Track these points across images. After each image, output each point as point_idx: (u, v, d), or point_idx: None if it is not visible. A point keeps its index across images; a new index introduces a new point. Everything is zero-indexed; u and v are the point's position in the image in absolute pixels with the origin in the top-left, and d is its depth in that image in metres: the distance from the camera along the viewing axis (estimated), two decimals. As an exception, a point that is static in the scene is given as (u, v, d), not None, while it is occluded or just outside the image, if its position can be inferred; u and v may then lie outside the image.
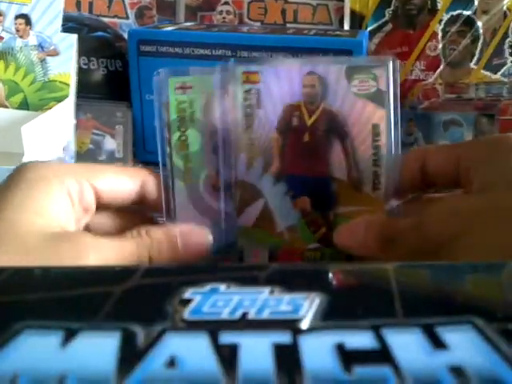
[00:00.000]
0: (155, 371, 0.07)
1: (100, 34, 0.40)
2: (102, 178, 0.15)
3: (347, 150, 0.16)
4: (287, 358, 0.07)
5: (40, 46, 0.36)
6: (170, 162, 0.16)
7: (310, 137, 0.16)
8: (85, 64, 0.39)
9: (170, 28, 0.36)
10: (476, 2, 0.40)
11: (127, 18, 0.45)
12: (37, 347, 0.08)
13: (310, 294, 0.08)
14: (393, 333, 0.08)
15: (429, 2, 0.41)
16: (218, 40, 0.33)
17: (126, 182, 0.16)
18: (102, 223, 0.16)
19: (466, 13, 0.40)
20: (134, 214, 0.17)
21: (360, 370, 0.07)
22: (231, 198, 0.16)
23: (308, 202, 0.16)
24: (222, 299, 0.08)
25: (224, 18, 0.44)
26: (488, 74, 0.41)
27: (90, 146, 0.38)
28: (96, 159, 0.37)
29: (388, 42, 0.41)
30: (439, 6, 0.40)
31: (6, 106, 0.36)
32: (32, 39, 0.36)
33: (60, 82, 0.36)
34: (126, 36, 0.37)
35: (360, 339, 0.08)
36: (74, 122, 0.36)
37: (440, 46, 0.41)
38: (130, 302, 0.08)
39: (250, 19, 0.43)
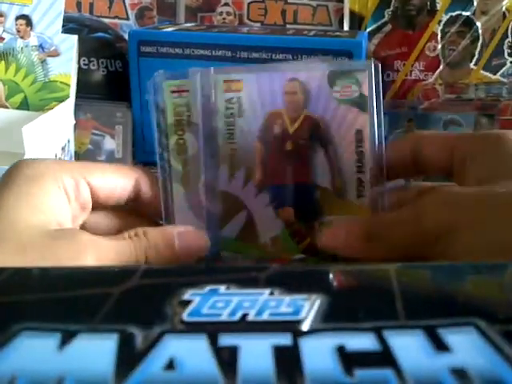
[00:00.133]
0: (154, 373, 0.07)
1: (100, 34, 0.40)
2: (98, 176, 0.15)
3: (331, 157, 0.16)
4: (287, 360, 0.07)
5: (41, 47, 0.36)
6: (169, 166, 0.16)
7: (292, 145, 0.16)
8: (85, 64, 0.39)
9: (170, 29, 0.36)
10: (475, 3, 0.40)
11: (128, 18, 0.45)
12: (35, 349, 0.08)
13: (310, 295, 0.08)
14: (394, 335, 0.08)
15: (428, 3, 0.41)
16: (218, 41, 0.33)
17: (120, 180, 0.16)
18: (97, 222, 0.16)
19: (466, 13, 0.40)
20: (129, 214, 0.16)
21: (361, 373, 0.07)
22: (214, 210, 0.16)
23: (292, 213, 0.16)
24: (222, 300, 0.08)
25: (224, 18, 0.44)
26: (487, 74, 0.41)
27: (90, 146, 0.38)
28: (95, 159, 0.37)
29: (387, 42, 0.41)
30: (438, 6, 0.41)
31: (6, 107, 0.36)
32: (33, 40, 0.36)
33: (60, 82, 0.36)
34: (126, 37, 0.37)
35: (361, 341, 0.07)
36: (74, 122, 0.36)
37: (439, 46, 0.41)
38: (129, 304, 0.08)
39: (249, 20, 0.44)
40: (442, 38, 0.41)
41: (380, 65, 0.15)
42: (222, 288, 0.09)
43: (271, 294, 0.08)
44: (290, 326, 0.08)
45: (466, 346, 0.07)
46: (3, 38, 0.36)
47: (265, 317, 0.08)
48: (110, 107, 0.37)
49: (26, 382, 0.07)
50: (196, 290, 0.08)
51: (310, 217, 0.16)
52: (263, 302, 0.08)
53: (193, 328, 0.08)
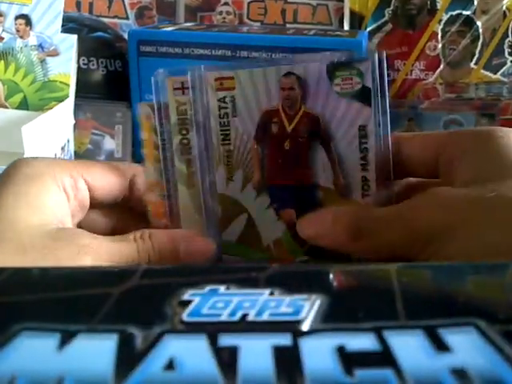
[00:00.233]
0: (154, 374, 0.07)
1: (100, 34, 0.40)
2: (95, 174, 0.15)
3: (332, 155, 0.15)
4: (287, 361, 0.07)
5: (40, 47, 0.36)
6: (172, 166, 0.15)
7: (291, 144, 0.15)
8: (85, 64, 0.38)
9: (169, 28, 0.36)
10: (475, 2, 0.40)
11: (127, 18, 0.45)
12: (35, 349, 0.08)
13: (310, 295, 0.08)
14: (394, 335, 0.07)
15: (428, 2, 0.41)
16: (218, 40, 0.33)
17: (118, 178, 0.15)
18: (94, 220, 0.16)
19: (466, 13, 0.40)
20: (125, 211, 0.16)
21: (361, 373, 0.07)
22: (213, 214, 0.15)
23: (293, 214, 0.15)
24: (222, 301, 0.08)
25: (224, 18, 0.44)
26: (488, 73, 0.41)
27: (89, 146, 0.37)
28: (95, 159, 0.37)
29: (388, 42, 0.41)
30: (439, 5, 0.40)
31: (5, 107, 0.36)
32: (32, 39, 0.36)
33: (60, 82, 0.36)
34: (125, 36, 0.37)
35: (361, 341, 0.07)
36: (73, 121, 0.36)
37: (440, 45, 0.41)
38: (129, 304, 0.08)
39: (249, 19, 0.43)
40: (442, 37, 0.41)
41: (385, 53, 0.14)
42: (222, 288, 0.09)
43: (271, 294, 0.08)
44: (290, 326, 0.08)
45: (466, 346, 0.07)
46: (2, 38, 0.36)
47: (265, 317, 0.08)
48: (109, 107, 0.37)
49: (25, 382, 0.07)
50: (196, 290, 0.08)
51: None
52: (263, 302, 0.08)
53: (193, 328, 0.08)
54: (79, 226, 0.16)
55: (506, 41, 0.40)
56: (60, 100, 0.35)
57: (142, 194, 0.16)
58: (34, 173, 0.14)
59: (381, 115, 0.14)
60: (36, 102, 0.36)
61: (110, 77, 0.39)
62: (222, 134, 0.15)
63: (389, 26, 0.42)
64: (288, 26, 0.43)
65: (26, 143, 0.28)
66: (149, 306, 0.08)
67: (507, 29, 0.40)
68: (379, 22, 0.42)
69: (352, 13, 0.42)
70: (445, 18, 0.41)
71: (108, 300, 0.08)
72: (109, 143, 0.37)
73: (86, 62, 0.39)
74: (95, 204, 0.16)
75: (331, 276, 0.09)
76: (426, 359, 0.07)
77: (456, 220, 0.12)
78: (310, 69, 0.14)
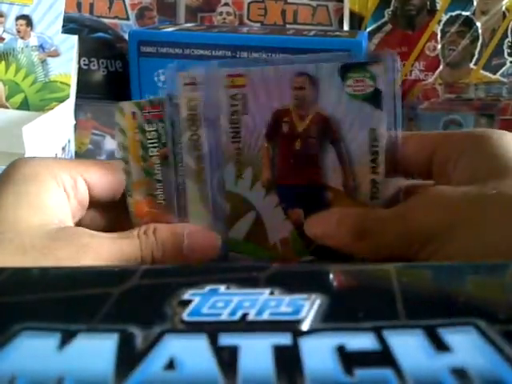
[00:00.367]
0: (154, 373, 0.07)
1: (100, 34, 0.40)
2: (94, 173, 0.15)
3: (342, 156, 0.15)
4: (287, 360, 0.07)
5: (41, 47, 0.36)
6: (181, 162, 0.15)
7: (301, 144, 0.15)
8: (85, 65, 0.39)
9: (170, 29, 0.36)
10: (475, 3, 0.40)
11: (128, 19, 0.45)
12: (35, 349, 0.08)
13: (310, 295, 0.08)
14: (394, 334, 0.07)
15: (428, 3, 0.41)
16: (218, 41, 0.33)
17: (117, 176, 0.15)
18: (94, 218, 0.16)
19: (465, 13, 0.40)
20: (124, 210, 0.16)
21: (361, 373, 0.07)
22: (221, 211, 0.15)
23: (301, 214, 0.15)
24: (222, 300, 0.08)
25: (224, 18, 0.44)
26: (487, 74, 0.41)
27: (90, 146, 0.38)
28: (95, 159, 0.37)
29: (387, 42, 0.41)
30: (438, 6, 0.41)
31: (6, 107, 0.36)
32: (33, 40, 0.36)
33: (61, 82, 0.36)
34: (126, 37, 0.37)
35: (361, 341, 0.07)
36: (74, 122, 0.36)
37: (439, 46, 0.41)
38: (129, 304, 0.08)
39: (249, 20, 0.44)
40: (441, 37, 0.41)
41: (398, 56, 0.14)
42: (222, 288, 0.09)
43: (271, 293, 0.08)
44: (290, 326, 0.08)
45: (466, 345, 0.07)
46: (3, 38, 0.36)
47: (265, 316, 0.08)
48: (110, 107, 0.37)
49: (25, 382, 0.07)
50: (196, 289, 0.08)
51: None
52: (263, 302, 0.08)
53: (193, 328, 0.08)
54: (78, 224, 0.16)
55: (506, 41, 0.40)
56: (61, 100, 0.35)
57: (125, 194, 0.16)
58: (34, 172, 0.14)
59: (392, 119, 0.14)
60: (37, 102, 0.36)
61: (111, 77, 0.39)
62: (232, 132, 0.15)
63: (388, 27, 0.42)
64: (288, 26, 0.43)
65: (27, 143, 0.28)
66: (149, 305, 0.08)
67: (507, 29, 0.40)
68: (379, 23, 0.42)
69: (352, 13, 0.42)
70: (444, 18, 0.41)
71: (108, 300, 0.08)
72: (109, 143, 0.37)
73: (86, 62, 0.39)
74: (94, 202, 0.16)
75: (331, 276, 0.09)
76: (426, 359, 0.07)
77: (455, 219, 0.12)
78: (323, 69, 0.14)
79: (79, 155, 0.37)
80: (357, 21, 0.42)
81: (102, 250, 0.13)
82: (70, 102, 0.35)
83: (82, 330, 0.08)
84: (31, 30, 0.36)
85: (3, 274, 0.09)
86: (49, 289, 0.09)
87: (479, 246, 0.12)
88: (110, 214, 0.16)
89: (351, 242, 0.13)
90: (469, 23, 0.41)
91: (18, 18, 0.36)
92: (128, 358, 0.07)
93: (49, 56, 0.36)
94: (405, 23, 0.41)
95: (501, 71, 0.41)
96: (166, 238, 0.14)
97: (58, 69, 0.36)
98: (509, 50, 0.40)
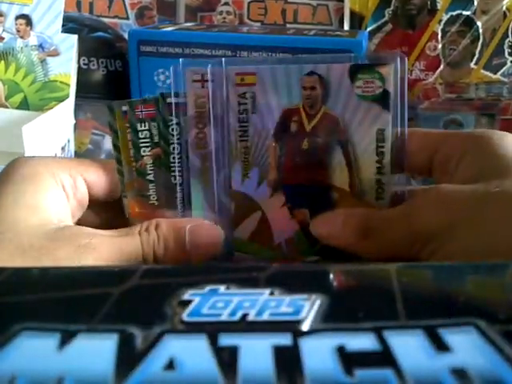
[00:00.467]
0: (154, 374, 0.07)
1: (100, 34, 0.40)
2: (93, 172, 0.15)
3: (349, 157, 0.15)
4: (288, 360, 0.07)
5: (40, 47, 0.36)
6: (186, 160, 0.15)
7: (309, 144, 0.15)
8: (85, 64, 0.38)
9: (170, 28, 0.36)
10: (475, 2, 0.40)
11: (127, 18, 0.45)
12: (35, 349, 0.08)
13: (310, 295, 0.08)
14: (394, 335, 0.07)
15: (428, 2, 0.41)
16: (218, 40, 0.33)
17: (115, 174, 0.15)
18: (93, 217, 0.16)
19: (466, 13, 0.40)
20: (123, 209, 0.16)
21: (361, 373, 0.07)
22: (226, 210, 0.15)
23: (307, 214, 0.15)
24: (222, 300, 0.08)
25: (224, 18, 0.44)
26: (488, 73, 0.41)
27: (89, 146, 0.37)
28: (95, 158, 0.37)
29: (388, 42, 0.41)
30: (439, 6, 0.40)
31: (5, 106, 0.36)
32: (32, 39, 0.36)
33: (60, 82, 0.36)
34: (126, 36, 0.37)
35: (361, 341, 0.07)
36: (74, 121, 0.36)
37: (440, 46, 0.41)
38: (129, 304, 0.08)
39: (250, 19, 0.43)
40: (442, 37, 0.41)
41: (406, 58, 0.14)
42: (222, 288, 0.09)
43: (271, 293, 0.08)
44: (290, 326, 0.08)
45: (466, 346, 0.07)
46: (3, 38, 0.36)
47: (265, 317, 0.08)
48: (109, 107, 0.37)
49: (25, 382, 0.07)
50: (196, 290, 0.08)
51: None
52: (263, 302, 0.08)
53: (193, 328, 0.08)
54: (78, 223, 0.15)
55: (506, 41, 0.40)
56: (60, 100, 0.35)
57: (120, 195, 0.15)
58: (33, 172, 0.14)
59: (399, 120, 0.14)
60: (36, 101, 0.36)
61: (111, 77, 0.39)
62: (240, 130, 0.15)
63: (389, 26, 0.42)
64: (288, 26, 0.43)
65: (27, 143, 0.28)
66: (149, 305, 0.08)
67: (507, 29, 0.40)
68: (379, 22, 0.42)
69: (352, 13, 0.42)
70: (445, 18, 0.41)
71: (108, 300, 0.08)
72: (109, 143, 0.37)
73: (86, 61, 0.39)
74: (93, 201, 0.16)
75: (331, 276, 0.09)
76: (426, 359, 0.07)
77: (456, 218, 0.12)
78: (333, 69, 0.14)
79: (79, 155, 0.37)
80: (357, 20, 0.42)
81: (101, 249, 0.13)
82: (70, 102, 0.35)
83: (81, 330, 0.08)
84: (31, 29, 0.36)
85: (3, 274, 0.09)
86: (48, 289, 0.09)
87: (479, 245, 0.12)
88: (109, 212, 0.16)
89: (356, 242, 0.14)
90: (469, 23, 0.40)
91: (17, 18, 0.36)
92: (128, 358, 0.07)
93: (48, 55, 0.36)
94: (405, 23, 0.41)
95: (501, 71, 0.41)
96: (168, 234, 0.14)
97: (57, 68, 0.36)
98: (509, 50, 0.40)
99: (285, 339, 0.08)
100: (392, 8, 0.41)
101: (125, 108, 0.15)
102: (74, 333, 0.08)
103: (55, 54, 0.36)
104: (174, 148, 0.15)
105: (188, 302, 0.08)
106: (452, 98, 0.40)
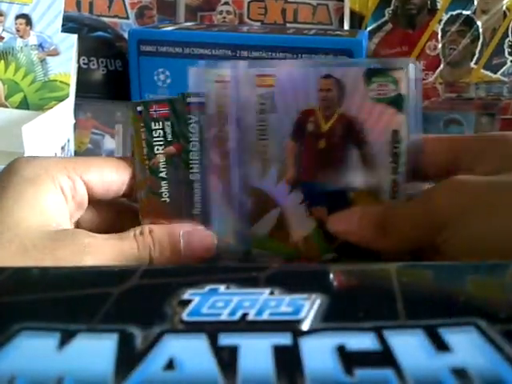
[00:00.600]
0: (154, 373, 0.07)
1: (100, 33, 0.40)
2: (94, 172, 0.15)
3: (365, 157, 0.15)
4: (287, 360, 0.07)
5: (40, 46, 0.36)
6: (206, 158, 0.15)
7: (325, 143, 0.15)
8: (85, 64, 0.38)
9: (170, 28, 0.36)
10: (475, 2, 0.40)
11: (127, 17, 0.45)
12: (34, 349, 0.08)
13: (310, 294, 0.08)
14: (395, 334, 0.07)
15: (428, 2, 0.41)
16: (218, 40, 0.33)
17: (117, 175, 0.15)
18: (93, 217, 0.16)
19: (466, 12, 0.40)
20: (125, 208, 0.16)
21: (361, 373, 0.07)
22: (245, 207, 0.15)
23: (324, 212, 0.15)
24: (222, 300, 0.08)
25: (224, 17, 0.44)
26: (488, 73, 0.41)
27: (89, 145, 0.37)
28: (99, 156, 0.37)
29: (388, 41, 0.41)
30: (439, 5, 0.40)
31: (5, 106, 0.36)
32: (32, 39, 0.36)
33: (60, 81, 0.36)
34: (126, 36, 0.37)
35: (361, 341, 0.07)
36: (74, 121, 0.36)
37: (440, 45, 0.41)
38: (129, 304, 0.08)
39: (250, 19, 0.43)
40: (442, 37, 0.41)
41: (420, 63, 0.15)
42: (222, 288, 0.09)
43: (271, 293, 0.08)
44: (290, 326, 0.08)
45: (467, 345, 0.07)
46: (3, 38, 0.36)
47: (265, 316, 0.08)
48: (109, 107, 0.37)
49: (25, 382, 0.07)
50: (196, 289, 0.08)
51: None
52: (263, 302, 0.08)
53: (192, 328, 0.08)
54: (77, 223, 0.16)
55: (506, 40, 0.40)
56: (60, 99, 0.35)
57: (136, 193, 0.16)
58: (33, 174, 0.14)
59: (413, 121, 0.15)
60: (36, 101, 0.36)
61: (111, 76, 0.39)
62: (258, 130, 0.15)
63: (389, 26, 0.42)
64: (288, 25, 0.43)
65: (26, 143, 0.28)
66: (149, 305, 0.08)
67: (507, 28, 0.40)
68: (379, 22, 0.42)
69: (352, 12, 0.42)
70: (445, 17, 0.41)
71: (108, 300, 0.08)
72: (109, 143, 0.37)
73: (86, 61, 0.39)
74: (94, 200, 0.16)
75: (331, 276, 0.09)
76: (427, 359, 0.07)
77: (471, 204, 0.12)
78: (348, 72, 0.15)
79: (78, 154, 0.37)
80: (357, 20, 0.42)
81: (101, 251, 0.13)
82: (70, 102, 0.35)
83: (81, 330, 0.08)
84: (30, 29, 0.36)
85: (3, 273, 0.09)
86: (48, 289, 0.09)
87: (492, 232, 0.12)
88: (110, 212, 0.16)
89: (374, 237, 0.14)
90: (469, 22, 0.40)
91: (17, 17, 0.35)
92: (128, 358, 0.07)
93: (48, 55, 0.36)
94: (405, 22, 0.41)
95: (501, 70, 0.41)
96: (163, 239, 0.14)
97: (57, 68, 0.36)
98: (509, 50, 0.40)
99: (285, 339, 0.08)
100: (392, 7, 0.41)
101: (139, 108, 0.16)
102: (74, 333, 0.08)
103: (55, 53, 0.36)
104: (192, 145, 0.15)
105: (188, 302, 0.08)
106: (452, 98, 0.40)
